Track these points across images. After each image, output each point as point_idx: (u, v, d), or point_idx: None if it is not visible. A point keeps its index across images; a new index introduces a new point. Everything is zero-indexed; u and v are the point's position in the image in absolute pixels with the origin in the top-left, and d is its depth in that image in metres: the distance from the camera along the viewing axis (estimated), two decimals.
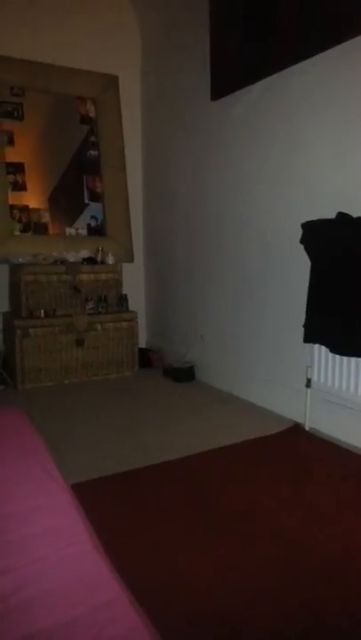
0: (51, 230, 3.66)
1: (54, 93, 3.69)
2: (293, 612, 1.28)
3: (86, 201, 3.81)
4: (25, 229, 3.56)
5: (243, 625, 1.24)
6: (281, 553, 1.53)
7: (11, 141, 3.55)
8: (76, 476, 1.84)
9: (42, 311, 3.33)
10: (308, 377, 2.44)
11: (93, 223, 3.81)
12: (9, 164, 3.52)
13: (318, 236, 2.31)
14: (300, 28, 2.42)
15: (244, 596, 1.34)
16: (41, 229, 3.62)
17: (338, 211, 2.23)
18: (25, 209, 3.58)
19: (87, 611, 0.74)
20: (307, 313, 2.33)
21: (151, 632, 0.72)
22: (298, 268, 2.48)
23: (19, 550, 0.89)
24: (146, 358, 3.77)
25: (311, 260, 2.33)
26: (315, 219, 2.32)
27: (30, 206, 3.60)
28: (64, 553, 0.89)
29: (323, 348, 2.33)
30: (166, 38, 3.68)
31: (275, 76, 2.64)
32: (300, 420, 2.56)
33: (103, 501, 1.78)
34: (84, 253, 3.57)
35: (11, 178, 3.53)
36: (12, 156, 3.54)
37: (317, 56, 2.37)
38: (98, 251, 3.59)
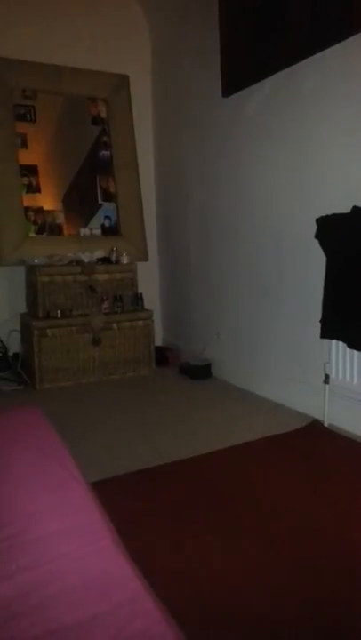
0: (65, 231, 3.69)
1: (66, 95, 3.72)
2: (315, 609, 1.27)
3: (100, 201, 3.83)
4: (40, 231, 3.60)
5: (262, 623, 1.23)
6: (302, 550, 1.51)
7: (24, 144, 3.58)
8: (95, 474, 1.85)
9: (58, 311, 3.36)
10: (326, 373, 2.41)
11: (107, 223, 3.83)
12: (23, 167, 3.55)
13: (333, 230, 2.29)
14: (310, 21, 2.40)
15: (263, 593, 1.33)
16: (56, 230, 3.65)
17: (353, 205, 2.21)
18: (40, 210, 3.61)
19: (109, 607, 0.74)
20: (323, 308, 2.31)
21: (173, 629, 0.72)
22: (313, 263, 2.46)
23: (40, 548, 0.89)
24: (162, 356, 3.78)
25: (327, 255, 2.31)
26: (329, 213, 2.30)
27: (45, 208, 3.63)
28: (86, 550, 0.89)
29: (340, 343, 2.31)
30: (176, 35, 3.67)
31: (286, 70, 2.61)
32: (318, 417, 2.53)
33: (121, 499, 1.79)
34: (99, 253, 3.58)
35: (25, 180, 3.57)
36: (26, 158, 3.58)
37: (328, 50, 2.35)
38: (112, 250, 3.61)
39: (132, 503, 1.79)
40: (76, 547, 0.90)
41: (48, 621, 0.72)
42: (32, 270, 3.41)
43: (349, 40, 2.24)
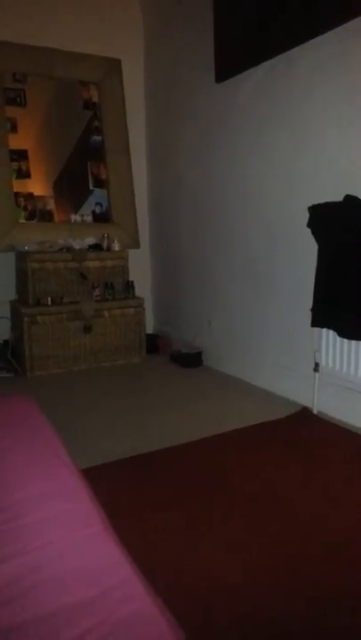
0: (56, 217, 3.65)
1: (57, 79, 3.66)
2: (305, 591, 1.30)
3: (91, 187, 3.79)
4: (30, 217, 3.56)
5: (254, 605, 1.25)
6: (292, 534, 1.54)
7: (14, 128, 3.53)
8: (86, 461, 1.85)
9: (49, 299, 3.34)
10: (316, 361, 2.43)
11: (98, 210, 3.80)
12: (12, 152, 3.50)
13: (325, 219, 2.29)
14: (304, 7, 2.37)
15: (255, 576, 1.35)
16: (46, 217, 3.62)
17: (345, 193, 2.21)
18: (30, 196, 3.57)
19: (100, 592, 0.75)
20: (314, 297, 2.32)
21: (164, 612, 0.73)
22: (306, 251, 2.46)
23: (32, 534, 0.90)
24: (153, 344, 3.78)
25: (318, 244, 2.31)
26: (322, 202, 2.29)
27: (35, 193, 3.59)
28: (76, 536, 0.90)
29: (330, 332, 2.33)
30: (169, 20, 3.61)
31: (280, 57, 2.59)
32: (308, 404, 2.56)
33: (113, 486, 1.80)
34: (90, 240, 3.56)
35: (15, 165, 3.52)
36: (16, 142, 3.52)
37: (322, 36, 2.33)
38: (104, 237, 3.58)
39: (123, 489, 1.81)
40: (67, 533, 0.91)
41: (38, 606, 0.73)
42: (22, 257, 3.38)
43: (344, 26, 2.22)
